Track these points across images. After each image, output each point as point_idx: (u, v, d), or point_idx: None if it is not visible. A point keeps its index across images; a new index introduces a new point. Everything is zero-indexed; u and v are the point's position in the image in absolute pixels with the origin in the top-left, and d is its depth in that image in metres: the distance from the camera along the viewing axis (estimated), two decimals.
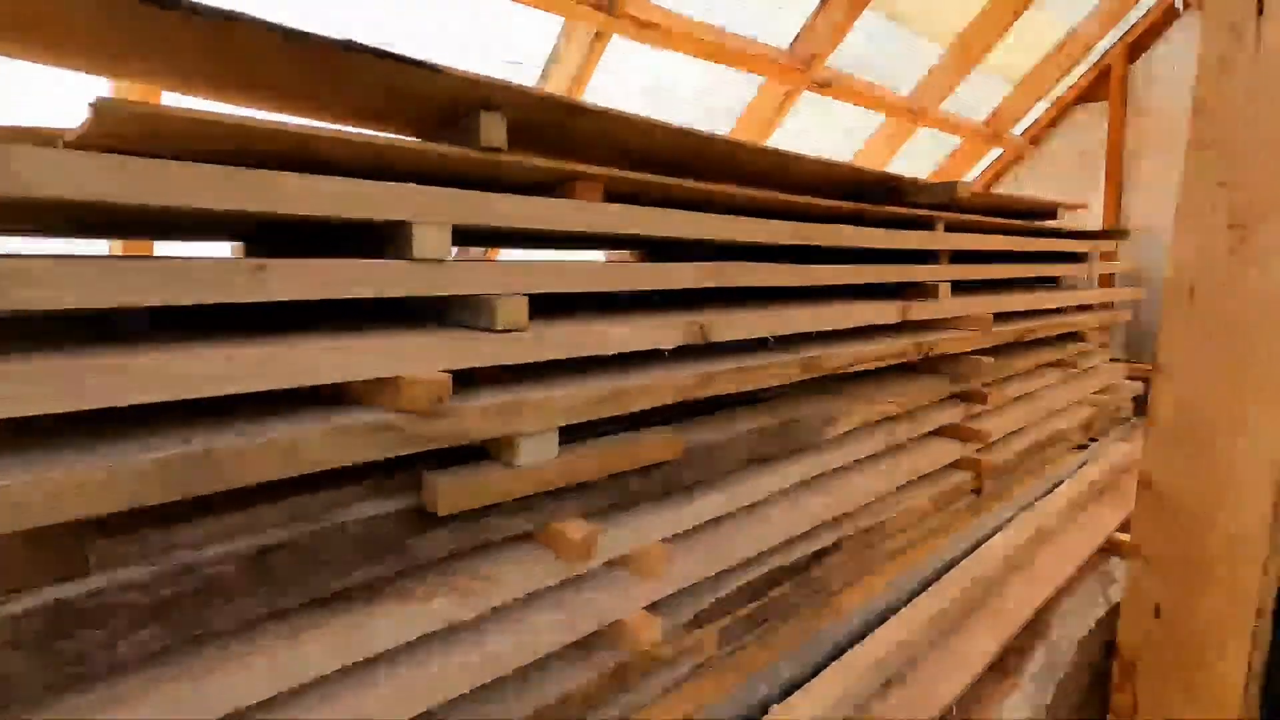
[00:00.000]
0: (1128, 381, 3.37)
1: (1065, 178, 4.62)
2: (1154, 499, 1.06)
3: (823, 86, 2.98)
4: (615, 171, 1.22)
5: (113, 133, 0.82)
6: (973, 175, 4.65)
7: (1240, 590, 0.98)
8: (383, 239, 0.98)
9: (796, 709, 1.12)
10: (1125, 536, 1.90)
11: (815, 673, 1.22)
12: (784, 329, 1.45)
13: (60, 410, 0.66)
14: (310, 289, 0.83)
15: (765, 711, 1.12)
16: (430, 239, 0.92)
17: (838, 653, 1.29)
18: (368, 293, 0.88)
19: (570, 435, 1.09)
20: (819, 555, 1.52)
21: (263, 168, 0.80)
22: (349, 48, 0.87)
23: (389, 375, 0.87)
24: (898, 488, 1.82)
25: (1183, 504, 1.02)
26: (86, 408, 0.68)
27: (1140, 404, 3.52)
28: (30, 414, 0.65)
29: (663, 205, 1.28)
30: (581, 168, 1.18)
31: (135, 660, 0.74)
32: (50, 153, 0.67)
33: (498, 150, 1.06)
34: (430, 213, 0.92)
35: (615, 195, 1.26)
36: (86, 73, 1.50)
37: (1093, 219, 4.49)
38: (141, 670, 0.75)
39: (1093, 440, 2.89)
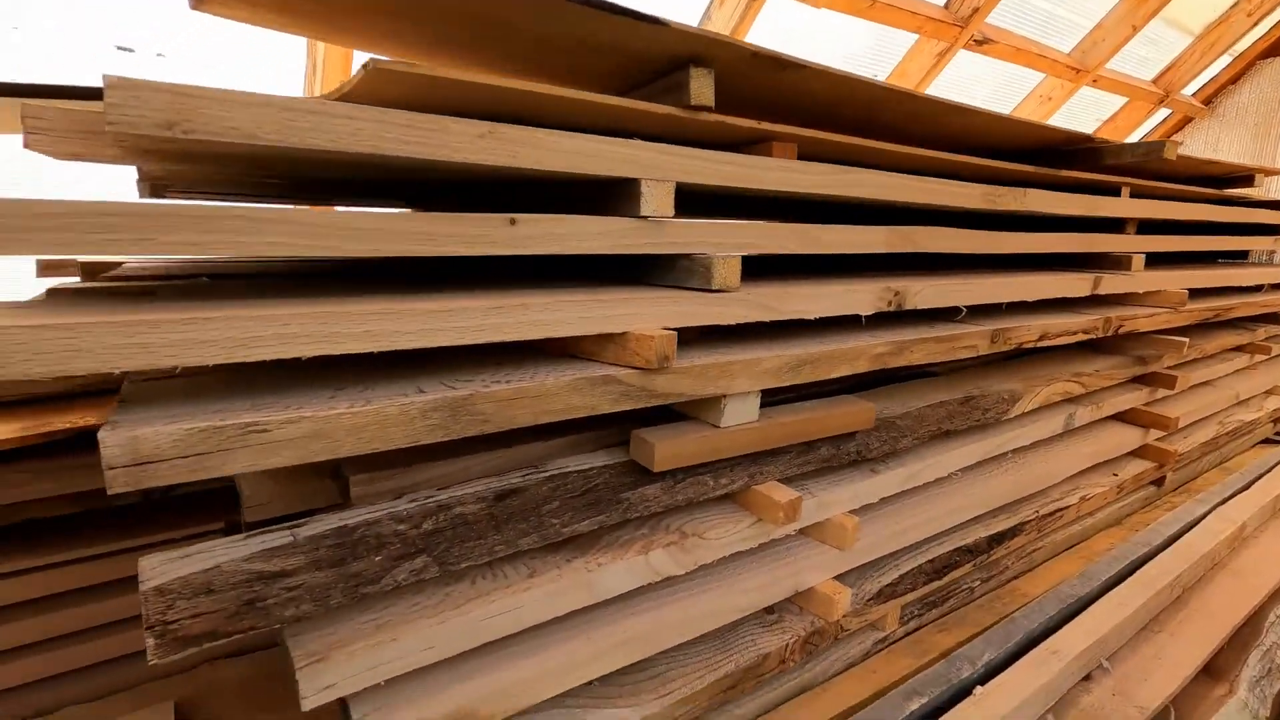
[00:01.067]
0: None
1: (1240, 141, 4.12)
2: None
3: (980, 44, 2.77)
4: (811, 132, 1.18)
5: (374, 93, 0.87)
6: (1132, 140, 4.23)
7: None
8: (591, 198, 0.99)
9: (995, 694, 1.08)
10: None
11: (1010, 659, 1.16)
12: (975, 298, 1.37)
13: (359, 350, 0.71)
14: (553, 244, 0.85)
15: (963, 692, 1.09)
16: (657, 196, 0.92)
17: (1030, 641, 1.22)
18: (599, 249, 0.90)
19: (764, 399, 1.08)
20: (998, 538, 1.45)
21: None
22: (588, 3, 0.88)
23: (619, 331, 0.89)
24: (1077, 473, 1.70)
25: None
26: (377, 350, 0.73)
27: None
28: (339, 353, 0.70)
29: (845, 164, 1.22)
30: (780, 128, 1.15)
31: (409, 586, 0.80)
32: (352, 109, 0.71)
33: (706, 109, 1.04)
34: (659, 170, 0.92)
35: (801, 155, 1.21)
36: (295, 34, 1.57)
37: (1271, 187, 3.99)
38: (411, 596, 0.81)
39: None
